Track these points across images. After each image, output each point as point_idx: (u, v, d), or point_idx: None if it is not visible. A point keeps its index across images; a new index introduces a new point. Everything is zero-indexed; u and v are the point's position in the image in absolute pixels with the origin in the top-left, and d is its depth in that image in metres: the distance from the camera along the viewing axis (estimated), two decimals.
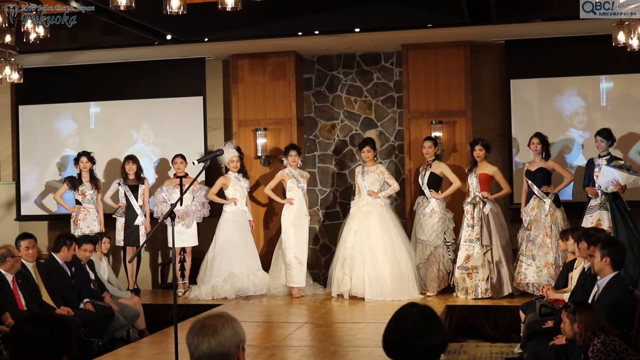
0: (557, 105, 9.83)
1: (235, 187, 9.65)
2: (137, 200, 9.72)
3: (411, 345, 2.69)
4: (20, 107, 11.09)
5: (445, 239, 9.21)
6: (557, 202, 8.88)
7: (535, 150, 8.92)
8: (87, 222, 9.60)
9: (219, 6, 5.58)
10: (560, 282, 7.23)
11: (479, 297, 8.80)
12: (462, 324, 8.47)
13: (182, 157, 9.79)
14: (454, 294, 9.05)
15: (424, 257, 9.18)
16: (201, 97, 10.59)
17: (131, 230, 9.69)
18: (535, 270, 8.70)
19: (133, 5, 5.75)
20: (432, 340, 2.69)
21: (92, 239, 8.28)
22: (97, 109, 10.87)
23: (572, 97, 9.79)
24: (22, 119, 11.07)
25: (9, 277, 6.91)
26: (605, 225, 8.40)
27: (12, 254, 6.91)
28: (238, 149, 9.81)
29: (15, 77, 7.93)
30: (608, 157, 8.68)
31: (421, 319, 2.72)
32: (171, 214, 5.58)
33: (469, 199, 9.04)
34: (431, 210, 9.19)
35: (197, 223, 9.79)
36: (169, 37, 9.31)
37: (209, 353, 2.66)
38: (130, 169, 9.75)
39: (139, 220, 9.70)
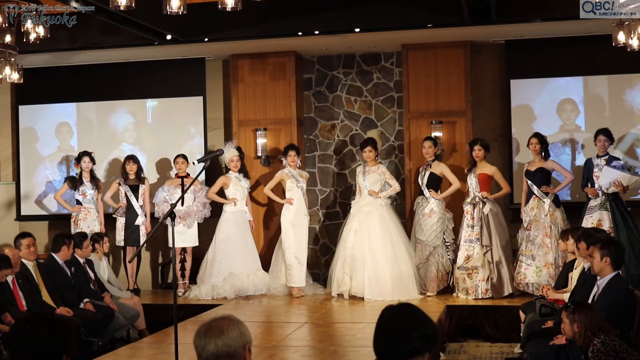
0: (628, 99, 9.72)
1: (236, 187, 9.65)
2: (137, 200, 9.73)
3: (399, 344, 2.65)
4: (21, 107, 11.09)
5: (444, 239, 9.21)
6: (556, 202, 8.88)
7: (534, 151, 8.92)
8: (88, 222, 9.61)
9: (219, 6, 5.58)
10: (560, 282, 7.24)
11: (480, 297, 8.80)
12: (462, 324, 8.48)
13: (184, 157, 9.80)
14: (454, 294, 9.06)
15: (424, 257, 9.18)
16: (201, 97, 10.60)
17: (131, 230, 9.70)
18: (535, 270, 8.70)
19: (133, 5, 5.75)
20: (418, 332, 2.65)
21: (87, 235, 8.30)
22: (154, 103, 10.81)
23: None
24: (22, 118, 11.07)
25: (9, 278, 6.91)
26: (606, 225, 8.40)
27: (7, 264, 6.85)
28: (238, 149, 9.82)
29: (15, 77, 7.93)
30: (607, 157, 8.68)
31: (400, 316, 2.69)
32: (171, 214, 5.58)
33: (468, 199, 9.04)
34: (430, 210, 9.19)
35: (198, 223, 9.80)
36: (169, 37, 9.31)
37: (216, 353, 2.69)
38: (131, 169, 9.76)
39: (139, 220, 9.71)
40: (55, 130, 11.01)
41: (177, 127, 10.73)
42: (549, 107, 9.86)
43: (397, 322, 2.68)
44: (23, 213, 11.04)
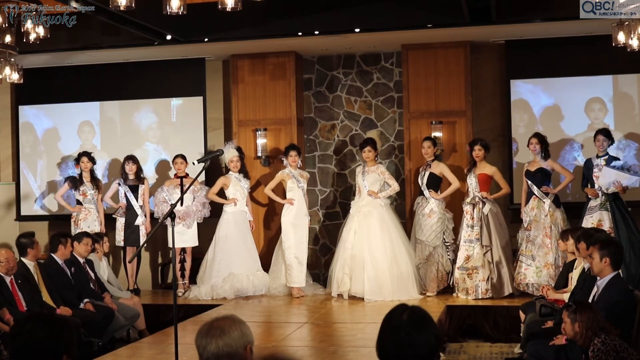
0: None
1: (236, 187, 9.65)
2: (137, 200, 9.73)
3: (407, 354, 2.65)
4: (20, 107, 11.09)
5: (444, 239, 9.20)
6: (556, 202, 8.88)
7: (534, 150, 8.92)
8: (88, 222, 9.61)
9: (219, 6, 5.58)
10: (560, 282, 7.23)
11: (480, 297, 8.80)
12: (462, 324, 8.48)
13: (183, 157, 9.80)
14: (454, 294, 9.05)
15: (423, 257, 9.18)
16: (201, 97, 10.59)
17: (131, 231, 9.70)
18: (535, 270, 8.70)
19: (133, 5, 5.75)
20: (427, 345, 2.64)
21: (89, 234, 8.31)
22: (179, 102, 10.73)
23: None
24: (22, 118, 11.07)
25: (7, 279, 6.88)
26: (606, 225, 8.41)
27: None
28: (239, 149, 9.81)
29: (15, 77, 7.93)
30: (606, 157, 8.68)
31: (412, 325, 2.66)
32: (171, 214, 5.58)
33: (468, 199, 9.04)
34: (430, 210, 9.19)
35: (198, 223, 9.79)
36: (169, 37, 9.32)
37: (217, 353, 2.69)
38: (130, 169, 9.76)
39: (139, 221, 9.71)
40: (77, 130, 10.97)
41: (200, 126, 10.70)
42: (577, 106, 9.77)
43: (409, 332, 2.65)
44: (23, 213, 11.04)
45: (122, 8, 5.82)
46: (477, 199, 8.96)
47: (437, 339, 2.67)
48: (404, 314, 2.70)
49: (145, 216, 9.78)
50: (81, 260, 7.93)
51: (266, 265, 9.76)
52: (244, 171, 9.81)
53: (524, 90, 9.96)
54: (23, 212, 11.04)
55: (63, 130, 11.00)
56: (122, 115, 10.89)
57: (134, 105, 10.83)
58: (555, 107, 9.88)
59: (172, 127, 10.77)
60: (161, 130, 10.78)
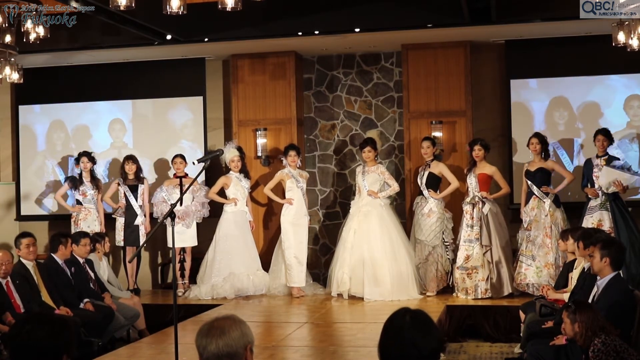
0: None
1: (237, 187, 9.66)
2: (136, 200, 9.73)
3: (410, 355, 2.66)
4: (21, 107, 11.08)
5: (443, 238, 9.21)
6: (557, 202, 8.88)
7: (534, 151, 8.92)
8: (88, 222, 9.62)
9: (219, 6, 5.58)
10: (560, 282, 7.24)
11: (479, 297, 8.80)
12: (462, 324, 8.48)
13: (182, 157, 9.80)
14: (454, 294, 9.05)
15: (423, 257, 9.18)
16: (201, 97, 10.59)
17: (131, 230, 9.70)
18: (535, 270, 8.70)
19: (133, 5, 5.75)
20: (429, 347, 2.68)
21: (87, 234, 8.30)
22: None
23: None
24: (22, 118, 11.07)
25: (3, 281, 6.85)
26: (606, 225, 8.41)
27: None
28: (239, 149, 9.82)
29: (15, 77, 7.93)
30: (606, 157, 8.69)
31: (415, 327, 2.69)
32: (171, 214, 5.58)
33: (468, 199, 9.04)
34: (429, 210, 9.19)
35: (197, 223, 9.79)
36: (169, 37, 9.32)
37: (217, 353, 2.69)
38: (130, 169, 9.76)
39: (138, 220, 9.71)
40: (108, 127, 10.93)
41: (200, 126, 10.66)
42: (616, 104, 9.71)
43: (412, 334, 2.67)
44: (23, 213, 11.04)
45: (122, 8, 5.82)
46: (477, 199, 8.96)
47: (439, 341, 2.70)
48: (406, 316, 2.72)
49: (145, 216, 9.78)
50: (81, 260, 7.93)
51: (266, 265, 9.76)
52: (244, 171, 9.82)
53: (563, 88, 9.85)
54: (23, 212, 11.04)
55: (94, 127, 10.95)
56: (155, 113, 10.83)
57: (166, 103, 10.75)
58: (594, 105, 9.81)
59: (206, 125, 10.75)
60: (195, 128, 10.71)
